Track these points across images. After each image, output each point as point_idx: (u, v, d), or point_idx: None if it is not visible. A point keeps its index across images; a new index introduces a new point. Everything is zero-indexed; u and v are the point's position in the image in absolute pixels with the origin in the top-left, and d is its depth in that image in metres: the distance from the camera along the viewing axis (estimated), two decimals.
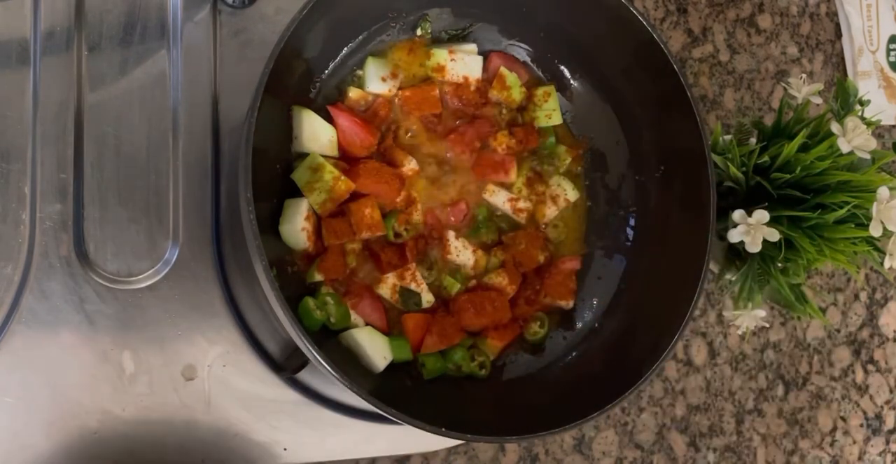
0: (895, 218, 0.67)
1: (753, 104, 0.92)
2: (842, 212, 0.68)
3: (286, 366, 0.69)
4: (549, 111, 0.72)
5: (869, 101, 0.73)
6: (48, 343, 0.65)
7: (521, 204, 0.71)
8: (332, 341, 0.65)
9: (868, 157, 0.69)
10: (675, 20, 0.91)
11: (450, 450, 0.75)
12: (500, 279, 0.69)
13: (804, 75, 0.79)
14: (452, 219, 0.69)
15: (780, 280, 0.72)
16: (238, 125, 0.71)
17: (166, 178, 0.69)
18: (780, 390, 0.89)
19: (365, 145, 0.67)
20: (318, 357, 0.55)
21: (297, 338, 0.55)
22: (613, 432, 0.82)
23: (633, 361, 0.65)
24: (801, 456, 0.89)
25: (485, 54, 0.72)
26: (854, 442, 0.92)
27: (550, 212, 0.72)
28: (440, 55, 0.69)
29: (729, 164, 0.71)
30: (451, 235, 0.68)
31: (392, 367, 0.65)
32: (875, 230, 0.67)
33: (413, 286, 0.66)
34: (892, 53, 0.97)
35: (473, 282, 0.69)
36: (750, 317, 0.73)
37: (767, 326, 0.88)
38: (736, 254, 0.75)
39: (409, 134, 0.69)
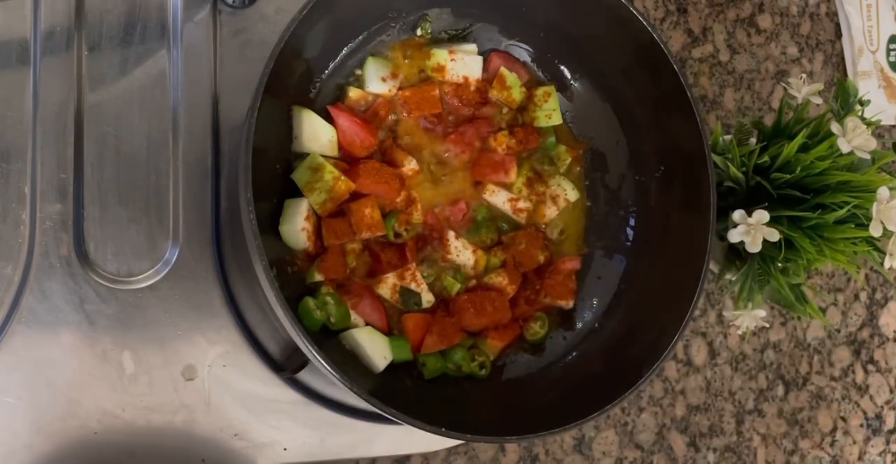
0: (895, 218, 0.67)
1: (753, 104, 0.92)
2: (842, 212, 0.68)
3: (286, 366, 0.69)
4: (549, 111, 0.72)
5: (869, 101, 0.73)
6: (48, 343, 0.65)
7: (521, 204, 0.71)
8: (332, 341, 0.65)
9: (868, 157, 0.69)
10: (675, 20, 0.91)
11: (450, 450, 0.75)
12: (500, 279, 0.69)
13: (804, 75, 0.79)
14: (452, 219, 0.69)
15: (780, 280, 0.72)
16: (238, 125, 0.71)
17: (166, 178, 0.69)
18: (780, 390, 0.89)
19: (365, 145, 0.67)
20: (318, 357, 0.55)
21: (297, 338, 0.55)
22: (613, 432, 0.82)
23: (633, 361, 0.65)
24: (801, 456, 0.89)
25: (485, 54, 0.72)
26: (854, 442, 0.92)
27: (550, 212, 0.72)
28: (440, 55, 0.69)
29: (729, 164, 0.71)
30: (451, 235, 0.68)
31: (392, 367, 0.65)
32: (875, 230, 0.67)
33: (413, 286, 0.66)
34: (892, 53, 0.97)
35: (473, 282, 0.69)
36: (750, 317, 0.73)
37: (767, 326, 0.88)
38: (736, 254, 0.75)
39: (409, 134, 0.69)
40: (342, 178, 0.65)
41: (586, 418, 0.61)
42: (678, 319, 0.64)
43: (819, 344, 0.91)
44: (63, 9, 0.68)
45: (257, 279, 0.57)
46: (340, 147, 0.67)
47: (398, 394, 0.64)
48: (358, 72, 0.69)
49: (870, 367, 0.94)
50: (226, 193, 0.71)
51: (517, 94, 0.71)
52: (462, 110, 0.71)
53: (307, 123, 0.65)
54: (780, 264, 0.72)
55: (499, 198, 0.70)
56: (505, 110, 0.72)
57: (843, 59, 0.97)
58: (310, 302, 0.63)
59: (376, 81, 0.68)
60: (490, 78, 0.72)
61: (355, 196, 0.66)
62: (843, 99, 0.73)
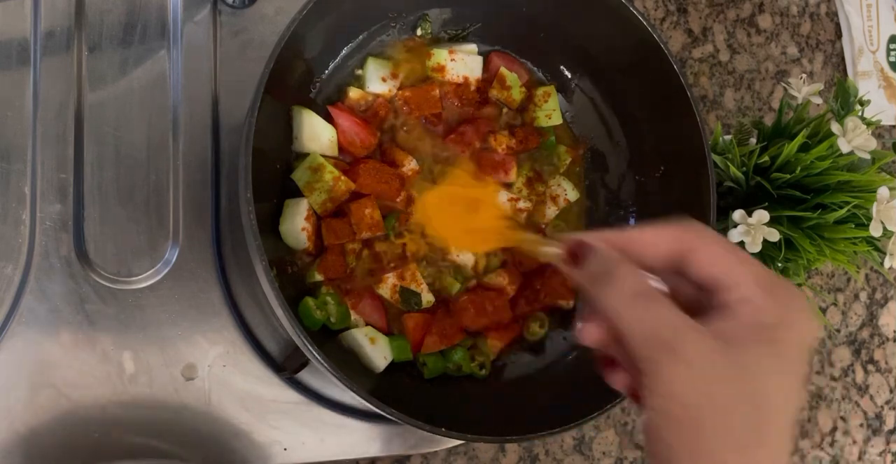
0: (895, 218, 0.67)
1: (753, 104, 0.92)
2: (842, 212, 0.68)
3: (286, 366, 0.69)
4: (549, 111, 0.72)
5: (869, 101, 0.73)
6: (48, 343, 0.65)
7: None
8: (332, 341, 0.65)
9: (868, 157, 0.69)
10: (675, 20, 0.91)
11: (450, 450, 0.75)
12: (500, 279, 0.69)
13: (804, 75, 0.79)
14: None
15: None
16: (238, 125, 0.71)
17: (166, 178, 0.69)
18: None
19: (365, 145, 0.67)
20: (318, 357, 0.55)
21: (297, 338, 0.55)
22: (613, 433, 0.82)
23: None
24: (802, 456, 0.89)
25: (485, 54, 0.72)
26: (854, 442, 0.92)
27: (550, 212, 0.72)
28: (440, 55, 0.69)
29: (729, 164, 0.71)
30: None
31: (392, 367, 0.65)
32: (875, 230, 0.67)
33: (413, 286, 0.66)
34: (892, 53, 0.97)
35: (473, 282, 0.69)
36: None
37: None
38: None
39: (409, 134, 0.69)
40: (342, 178, 0.65)
41: (586, 418, 0.61)
42: None
43: (819, 344, 0.91)
44: (63, 9, 0.68)
45: (257, 279, 0.57)
46: (340, 147, 0.67)
47: (398, 394, 0.64)
48: (358, 72, 0.69)
49: (870, 367, 0.94)
50: (226, 193, 0.71)
51: (517, 94, 0.71)
52: (462, 110, 0.71)
53: (307, 123, 0.65)
54: (780, 264, 0.72)
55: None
56: (505, 110, 0.72)
57: (843, 59, 0.97)
58: (310, 302, 0.63)
59: (376, 81, 0.68)
60: (490, 78, 0.72)
61: (355, 196, 0.66)
62: (843, 99, 0.73)
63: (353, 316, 0.65)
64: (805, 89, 0.73)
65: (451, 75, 0.70)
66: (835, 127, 0.69)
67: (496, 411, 0.66)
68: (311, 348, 0.55)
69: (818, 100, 0.72)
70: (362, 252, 0.66)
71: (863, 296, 0.94)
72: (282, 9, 0.73)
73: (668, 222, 0.44)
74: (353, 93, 0.68)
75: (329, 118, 0.67)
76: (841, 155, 0.69)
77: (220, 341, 0.69)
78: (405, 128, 0.69)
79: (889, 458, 0.94)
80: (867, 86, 0.95)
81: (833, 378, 0.92)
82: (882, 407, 0.94)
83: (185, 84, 0.70)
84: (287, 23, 0.58)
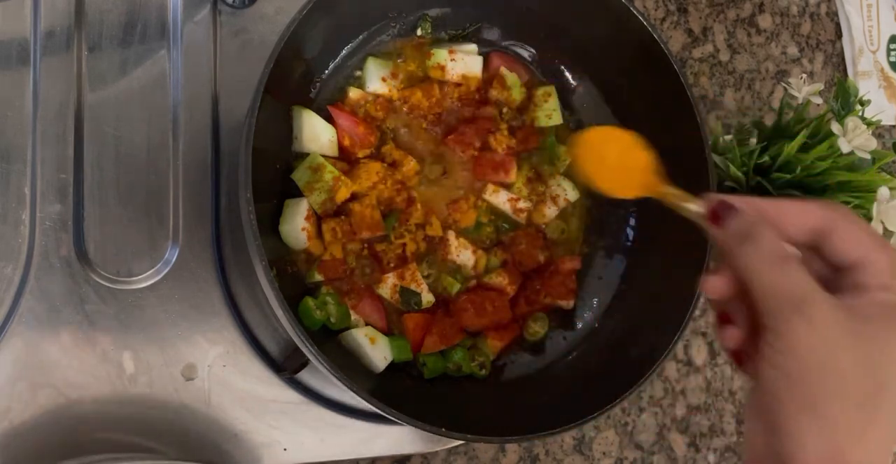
0: (895, 218, 0.67)
1: (753, 104, 0.92)
2: None
3: (286, 366, 0.69)
4: (549, 111, 0.72)
5: (869, 101, 0.74)
6: (48, 343, 0.65)
7: (521, 204, 0.71)
8: (332, 341, 0.65)
9: (868, 157, 0.69)
10: (675, 20, 0.91)
11: (450, 450, 0.75)
12: (500, 279, 0.69)
13: (804, 75, 0.79)
14: (452, 219, 0.69)
15: None
16: (238, 125, 0.71)
17: (166, 178, 0.69)
18: None
19: (365, 145, 0.67)
20: (318, 357, 0.55)
21: (297, 338, 0.55)
22: (613, 433, 0.82)
23: (633, 361, 0.65)
24: None
25: (485, 54, 0.72)
26: None
27: (550, 212, 0.72)
28: (440, 55, 0.69)
29: (729, 164, 0.71)
30: (451, 235, 0.68)
31: (392, 367, 0.65)
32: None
33: (413, 286, 0.66)
34: (893, 53, 0.97)
35: (473, 282, 0.69)
36: None
37: None
38: None
39: (409, 134, 0.69)
40: (342, 178, 0.65)
41: (586, 418, 0.61)
42: (678, 319, 0.64)
43: None
44: (63, 9, 0.68)
45: (257, 279, 0.57)
46: (340, 147, 0.67)
47: (398, 394, 0.64)
48: (358, 72, 0.69)
49: None
50: (226, 193, 0.71)
51: (517, 94, 0.71)
52: (462, 110, 0.71)
53: (307, 123, 0.65)
54: None
55: (499, 198, 0.70)
56: (505, 110, 0.72)
57: (843, 59, 0.97)
58: (310, 302, 0.63)
59: (376, 81, 0.68)
60: (490, 78, 0.72)
61: (355, 196, 0.66)
62: (844, 99, 0.73)
63: (353, 316, 0.65)
64: (805, 89, 0.73)
65: (451, 75, 0.70)
66: (835, 127, 0.69)
67: (496, 411, 0.66)
68: (311, 348, 0.55)
69: (818, 100, 0.72)
70: (362, 252, 0.66)
71: None
72: (282, 9, 0.73)
73: (815, 201, 0.46)
74: (353, 93, 0.68)
75: (329, 118, 0.67)
76: (841, 155, 0.69)
77: (220, 341, 0.69)
78: (405, 128, 0.69)
79: (889, 458, 0.94)
80: (867, 86, 0.95)
81: None
82: None
83: (185, 84, 0.70)
84: (287, 23, 0.58)
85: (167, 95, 0.70)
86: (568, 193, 0.72)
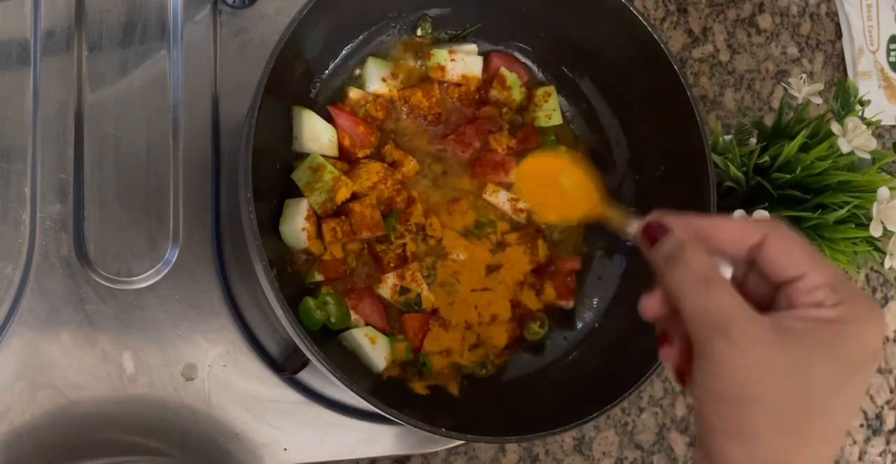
0: (895, 218, 0.67)
1: (753, 104, 0.92)
2: (842, 212, 0.68)
3: (286, 366, 0.69)
4: (549, 111, 0.72)
5: (869, 101, 0.73)
6: (48, 343, 0.65)
7: (522, 204, 0.71)
8: (332, 341, 0.65)
9: (868, 157, 0.69)
10: (675, 20, 0.91)
11: (450, 450, 0.75)
12: (500, 278, 0.69)
13: (804, 75, 0.79)
14: (452, 219, 0.69)
15: None
16: (238, 125, 0.71)
17: (166, 178, 0.69)
18: None
19: (365, 145, 0.67)
20: (318, 357, 0.55)
21: (297, 338, 0.55)
22: (613, 433, 0.82)
23: (633, 361, 0.65)
24: None
25: (485, 54, 0.72)
26: (854, 442, 0.92)
27: None
28: (440, 55, 0.69)
29: (729, 164, 0.71)
30: (451, 235, 0.68)
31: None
32: (875, 230, 0.67)
33: (413, 286, 0.66)
34: (893, 53, 0.97)
35: (474, 281, 0.69)
36: None
37: None
38: None
39: (409, 134, 0.69)
40: (342, 178, 0.65)
41: (586, 418, 0.61)
42: None
43: None
44: (63, 9, 0.68)
45: (257, 279, 0.57)
46: (340, 147, 0.67)
47: (398, 394, 0.64)
48: (358, 72, 0.69)
49: None
50: (226, 193, 0.71)
51: (517, 94, 0.71)
52: (462, 110, 0.71)
53: (307, 122, 0.65)
54: None
55: (499, 198, 0.70)
56: (505, 110, 0.72)
57: (843, 59, 0.97)
58: (310, 302, 0.63)
59: (376, 81, 0.68)
60: (490, 78, 0.72)
61: (355, 196, 0.66)
62: (844, 99, 0.73)
63: (353, 316, 0.65)
64: (805, 89, 0.73)
65: (451, 75, 0.70)
66: (835, 127, 0.69)
67: (496, 411, 0.66)
68: (311, 348, 0.55)
69: (818, 100, 0.72)
70: (362, 252, 0.67)
71: None
72: (282, 9, 0.73)
73: (752, 219, 0.46)
74: (353, 93, 0.68)
75: (329, 118, 0.67)
76: (841, 155, 0.69)
77: (220, 341, 0.69)
78: (405, 128, 0.69)
79: (889, 458, 0.94)
80: (867, 86, 0.95)
81: None
82: (882, 407, 0.94)
83: (185, 84, 0.70)
84: (287, 23, 0.58)
85: (167, 95, 0.70)
86: None
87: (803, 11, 0.96)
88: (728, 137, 0.77)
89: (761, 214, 0.68)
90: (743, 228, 0.44)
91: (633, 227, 0.48)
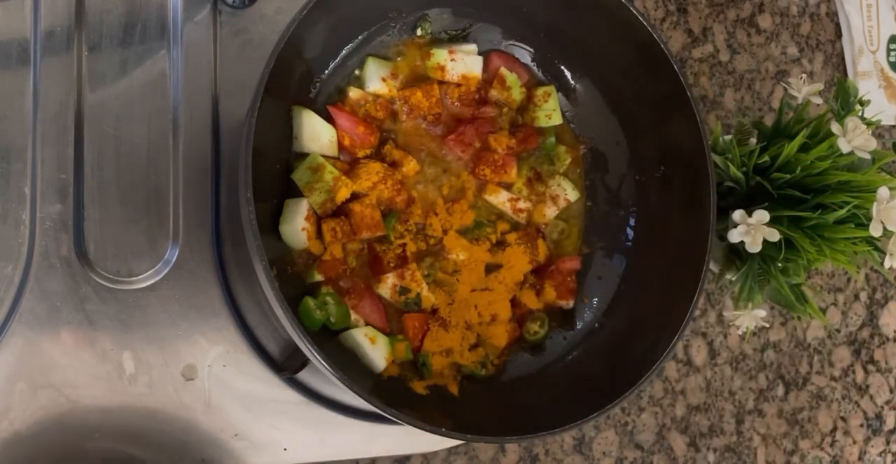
0: (895, 218, 0.67)
1: (753, 104, 0.92)
2: (842, 212, 0.68)
3: (286, 366, 0.69)
4: (549, 111, 0.72)
5: (869, 101, 0.73)
6: (48, 343, 0.65)
7: (521, 204, 0.71)
8: (332, 341, 0.65)
9: (868, 157, 0.69)
10: (675, 20, 0.91)
11: (450, 450, 0.75)
12: (500, 278, 0.69)
13: (804, 75, 0.79)
14: (452, 219, 0.69)
15: (780, 280, 0.72)
16: (238, 125, 0.71)
17: (166, 178, 0.69)
18: (780, 390, 0.89)
19: (365, 145, 0.67)
20: (318, 357, 0.55)
21: (297, 338, 0.55)
22: (613, 432, 0.82)
23: (633, 361, 0.65)
24: (801, 456, 0.89)
25: (485, 54, 0.72)
26: (854, 442, 0.92)
27: (550, 212, 0.72)
28: (440, 55, 0.69)
29: (729, 164, 0.71)
30: (450, 234, 0.68)
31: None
32: (875, 230, 0.67)
33: (413, 286, 0.66)
34: (893, 53, 0.97)
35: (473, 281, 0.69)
36: (750, 317, 0.73)
37: (767, 326, 0.88)
38: (736, 254, 0.75)
39: (409, 134, 0.69)
40: (342, 178, 0.65)
41: (586, 418, 0.61)
42: (678, 319, 0.64)
43: (819, 344, 0.91)
44: (63, 9, 0.68)
45: (257, 279, 0.57)
46: (340, 147, 0.67)
47: (398, 394, 0.64)
48: (357, 72, 0.69)
49: (870, 367, 0.94)
50: (226, 193, 0.71)
51: (517, 94, 0.71)
52: (462, 110, 0.71)
53: (307, 122, 0.65)
54: (780, 264, 0.72)
55: (499, 198, 0.70)
56: (505, 110, 0.72)
57: (843, 59, 0.97)
58: (310, 302, 0.63)
59: (376, 81, 0.68)
60: (490, 78, 0.72)
61: (355, 196, 0.66)
62: (843, 99, 0.73)
63: (353, 316, 0.65)
64: (805, 89, 0.73)
65: (451, 75, 0.70)
66: (835, 127, 0.69)
67: (496, 411, 0.66)
68: (311, 348, 0.55)
69: (818, 100, 0.72)
70: (362, 252, 0.67)
71: (863, 296, 0.94)
72: (282, 9, 0.73)
73: None
74: (353, 93, 0.68)
75: (329, 118, 0.67)
76: (841, 155, 0.69)
77: (220, 341, 0.69)
78: (405, 128, 0.69)
79: (889, 458, 0.94)
80: (867, 86, 0.95)
81: (833, 378, 0.92)
82: (882, 407, 0.94)
83: (185, 84, 0.70)
84: (287, 23, 0.58)
85: (167, 95, 0.70)
86: (568, 193, 0.72)
87: (803, 11, 0.96)
88: (728, 137, 0.77)
89: (761, 214, 0.68)
90: None
91: None
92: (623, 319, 0.71)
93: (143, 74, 0.70)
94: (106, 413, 0.66)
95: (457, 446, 0.75)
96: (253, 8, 0.73)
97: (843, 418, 0.92)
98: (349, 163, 0.67)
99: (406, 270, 0.66)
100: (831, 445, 0.91)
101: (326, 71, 0.68)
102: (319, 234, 0.65)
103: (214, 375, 0.68)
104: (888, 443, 0.94)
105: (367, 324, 0.66)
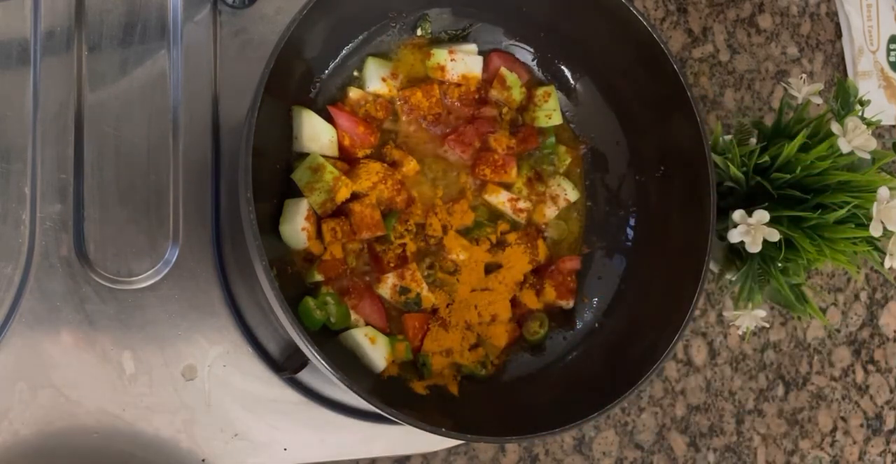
0: (895, 218, 0.67)
1: (753, 104, 0.92)
2: (842, 212, 0.68)
3: (286, 366, 0.69)
4: (549, 111, 0.72)
5: (869, 101, 0.73)
6: (48, 343, 0.65)
7: (521, 204, 0.71)
8: (332, 341, 0.65)
9: (868, 157, 0.69)
10: (675, 20, 0.91)
11: (450, 450, 0.75)
12: (500, 278, 0.69)
13: (804, 75, 0.79)
14: (452, 219, 0.69)
15: (780, 280, 0.72)
16: (238, 125, 0.71)
17: (166, 178, 0.69)
18: (780, 390, 0.89)
19: (365, 145, 0.67)
20: (318, 357, 0.55)
21: (297, 338, 0.55)
22: (613, 433, 0.82)
23: (633, 361, 0.65)
24: (801, 456, 0.89)
25: (485, 54, 0.72)
26: (854, 442, 0.92)
27: (550, 212, 0.72)
28: (440, 55, 0.69)
29: (729, 164, 0.71)
30: (451, 234, 0.68)
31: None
32: (875, 230, 0.67)
33: (413, 286, 0.66)
34: (892, 53, 0.97)
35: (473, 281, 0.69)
36: (750, 317, 0.73)
37: (767, 326, 0.88)
38: (736, 254, 0.75)
39: (409, 134, 0.69)
40: (342, 178, 0.65)
41: (586, 418, 0.61)
42: (678, 319, 0.64)
43: (819, 344, 0.91)
44: (63, 9, 0.68)
45: (257, 279, 0.57)
46: (340, 147, 0.67)
47: (398, 394, 0.64)
48: (357, 72, 0.69)
49: (870, 367, 0.94)
50: (226, 193, 0.71)
51: (517, 94, 0.71)
52: (462, 110, 0.71)
53: (307, 122, 0.65)
54: (780, 264, 0.72)
55: (499, 198, 0.70)
56: (505, 110, 0.72)
57: (843, 59, 0.97)
58: (310, 302, 0.63)
59: (376, 81, 0.68)
60: (490, 78, 0.72)
61: (355, 196, 0.66)
62: (844, 99, 0.73)
63: (353, 316, 0.65)
64: (805, 89, 0.73)
65: (451, 75, 0.70)
66: (835, 127, 0.69)
67: (496, 411, 0.66)
68: (311, 348, 0.55)
69: (818, 100, 0.72)
70: (362, 252, 0.67)
71: (863, 296, 0.94)
72: (282, 9, 0.73)
73: None
74: (353, 93, 0.68)
75: (329, 118, 0.67)
76: (841, 155, 0.69)
77: (220, 341, 0.69)
78: (405, 128, 0.69)
79: (889, 458, 0.94)
80: (867, 86, 0.95)
81: (833, 378, 0.92)
82: (882, 407, 0.94)
83: (185, 84, 0.70)
84: (287, 23, 0.58)
85: (167, 95, 0.70)
86: (568, 193, 0.72)
87: (803, 11, 0.96)
88: (728, 137, 0.77)
89: (761, 214, 0.68)
90: None
91: None
92: (623, 319, 0.71)
93: (143, 74, 0.70)
94: (105, 413, 0.66)
95: (457, 446, 0.75)
96: (253, 8, 0.73)
97: (843, 418, 0.92)
98: (349, 163, 0.67)
99: (406, 270, 0.66)
100: (831, 445, 0.91)
101: (326, 71, 0.68)
102: (319, 234, 0.65)
103: (214, 375, 0.68)
104: (888, 443, 0.94)
105: (367, 324, 0.66)
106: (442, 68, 0.69)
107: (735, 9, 0.93)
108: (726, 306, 0.87)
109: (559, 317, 0.72)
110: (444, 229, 0.68)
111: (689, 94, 0.66)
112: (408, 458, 0.74)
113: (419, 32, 0.71)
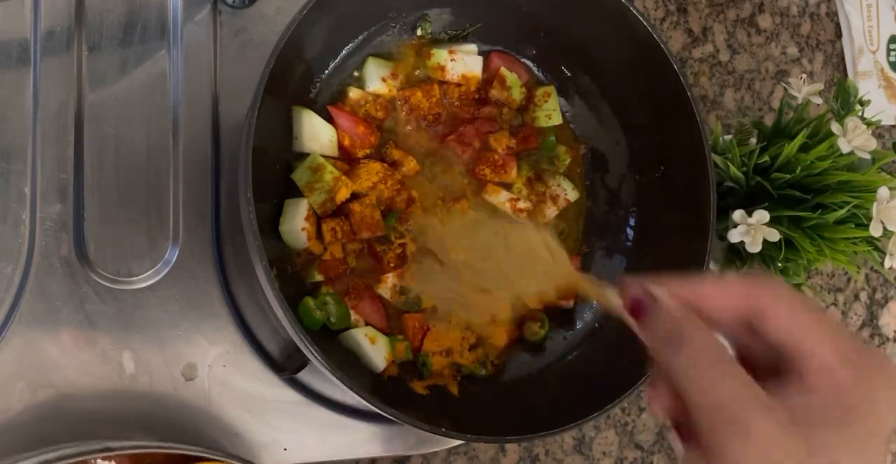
0: (895, 218, 0.67)
1: (753, 104, 0.92)
2: (842, 212, 0.68)
3: (286, 366, 0.69)
4: (549, 111, 0.72)
5: (869, 101, 0.73)
6: (48, 343, 0.65)
7: (521, 204, 0.71)
8: (332, 341, 0.65)
9: (868, 157, 0.69)
10: (675, 20, 0.91)
11: (450, 450, 0.75)
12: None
13: (804, 75, 0.79)
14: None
15: None
16: (238, 125, 0.71)
17: (166, 178, 0.69)
18: None
19: (365, 145, 0.67)
20: (318, 357, 0.55)
21: (297, 338, 0.55)
22: (613, 433, 0.82)
23: (634, 360, 0.65)
24: None
25: (485, 54, 0.72)
26: None
27: (550, 212, 0.72)
28: (440, 55, 0.69)
29: (729, 164, 0.71)
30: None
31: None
32: (875, 230, 0.67)
33: (413, 286, 0.66)
34: (893, 53, 0.97)
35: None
36: None
37: None
38: (736, 254, 0.75)
39: (409, 134, 0.69)
40: (342, 178, 0.65)
41: (586, 418, 0.61)
42: None
43: None
44: (63, 9, 0.68)
45: (257, 279, 0.57)
46: (340, 147, 0.67)
47: (398, 394, 0.64)
48: (357, 72, 0.69)
49: None
50: (226, 193, 0.71)
51: (517, 94, 0.71)
52: (462, 110, 0.71)
53: (307, 122, 0.65)
54: (780, 264, 0.72)
55: (499, 198, 0.70)
56: (505, 110, 0.72)
57: (843, 59, 0.97)
58: (310, 302, 0.63)
59: (376, 81, 0.68)
60: (490, 78, 0.72)
61: (355, 196, 0.66)
62: (844, 99, 0.73)
63: (353, 316, 0.65)
64: (805, 89, 0.73)
65: (451, 75, 0.70)
66: (835, 127, 0.69)
67: (496, 411, 0.66)
68: (311, 348, 0.55)
69: (818, 100, 0.72)
70: (362, 252, 0.67)
71: (863, 296, 0.94)
72: (282, 9, 0.73)
73: (741, 275, 0.40)
74: (353, 93, 0.68)
75: (329, 118, 0.67)
76: (841, 155, 0.69)
77: (220, 341, 0.69)
78: (405, 128, 0.69)
79: (889, 458, 0.94)
80: (867, 86, 0.95)
81: None
82: None
83: (185, 84, 0.70)
84: (287, 23, 0.58)
85: (167, 95, 0.70)
86: (568, 193, 0.72)
87: (803, 11, 0.96)
88: (728, 137, 0.77)
89: (761, 214, 0.68)
90: (729, 291, 0.40)
91: (613, 299, 0.41)
92: None
93: (143, 74, 0.70)
94: (105, 413, 0.65)
95: (457, 446, 0.75)
96: (253, 8, 0.73)
97: None
98: (349, 163, 0.67)
99: (406, 270, 0.66)
100: None
101: (326, 71, 0.68)
102: (319, 234, 0.65)
103: (214, 375, 0.68)
104: (888, 443, 0.94)
105: (367, 324, 0.66)
106: (442, 68, 0.69)
107: (735, 9, 0.93)
108: None
109: (559, 317, 0.72)
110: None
111: (689, 94, 0.66)
112: (408, 458, 0.74)
113: (419, 32, 0.71)
